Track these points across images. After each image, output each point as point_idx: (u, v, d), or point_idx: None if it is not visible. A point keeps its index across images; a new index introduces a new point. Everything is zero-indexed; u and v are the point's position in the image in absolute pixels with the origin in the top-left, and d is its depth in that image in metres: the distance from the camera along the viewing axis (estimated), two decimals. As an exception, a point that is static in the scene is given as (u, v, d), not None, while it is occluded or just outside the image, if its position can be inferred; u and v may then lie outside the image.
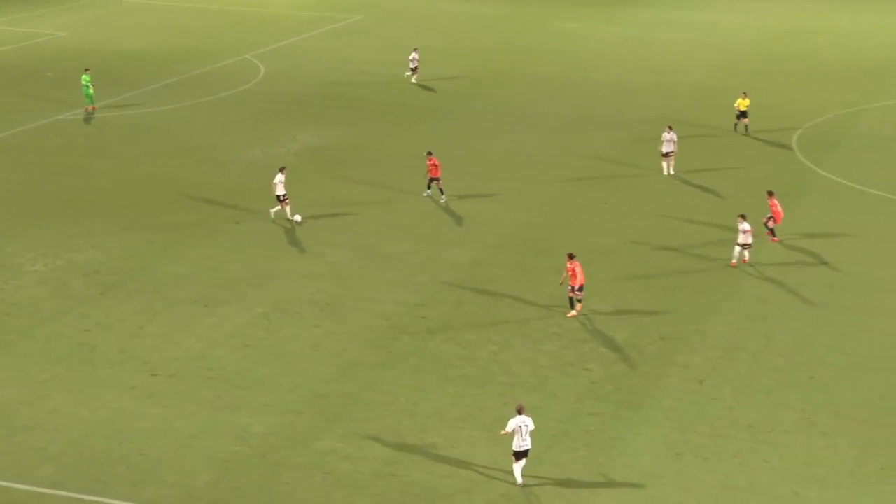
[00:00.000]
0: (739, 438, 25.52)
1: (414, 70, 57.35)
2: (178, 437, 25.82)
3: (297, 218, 38.35)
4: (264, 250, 36.53)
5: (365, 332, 30.90)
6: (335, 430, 26.12)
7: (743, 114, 47.17)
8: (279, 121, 51.42)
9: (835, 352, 29.34)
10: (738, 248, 34.48)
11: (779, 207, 35.94)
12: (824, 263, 34.77)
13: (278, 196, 38.17)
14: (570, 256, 31.35)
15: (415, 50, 58.14)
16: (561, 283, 31.93)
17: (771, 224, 36.18)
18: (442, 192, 40.22)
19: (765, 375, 28.26)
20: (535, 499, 23.48)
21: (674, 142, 42.48)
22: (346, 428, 26.19)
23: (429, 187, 40.46)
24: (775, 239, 36.27)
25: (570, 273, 31.10)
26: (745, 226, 34.13)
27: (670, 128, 43.03)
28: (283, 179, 38.11)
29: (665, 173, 42.91)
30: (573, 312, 31.50)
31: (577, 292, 31.26)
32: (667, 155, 42.73)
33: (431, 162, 39.90)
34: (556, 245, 36.52)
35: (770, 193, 36.35)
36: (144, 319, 31.66)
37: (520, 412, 23.64)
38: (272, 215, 38.49)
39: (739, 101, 47.35)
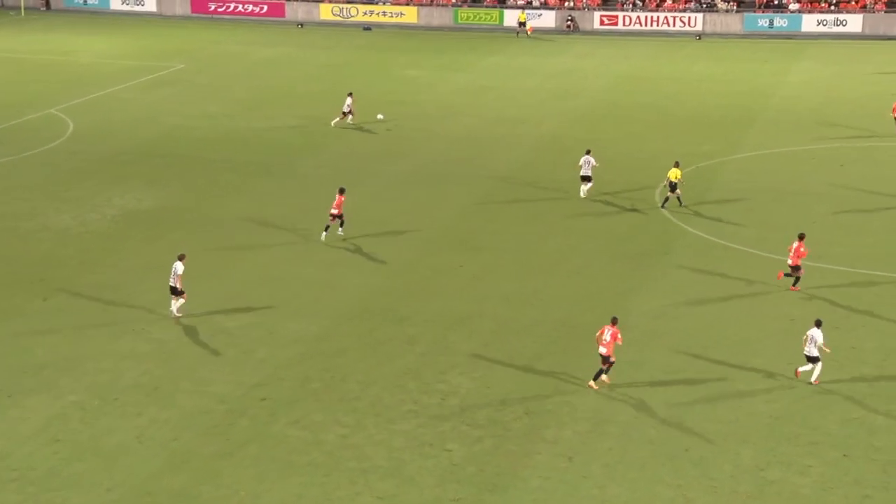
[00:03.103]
0: (615, 519, 25.58)
1: (346, 114, 58.54)
2: (-21, 552, 24.25)
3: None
4: (77, 330, 35.07)
5: (198, 417, 29.88)
6: (165, 533, 25.04)
7: (673, 186, 45.73)
8: (92, 183, 49.95)
9: (709, 420, 29.81)
10: (816, 366, 31.53)
11: (798, 251, 37.54)
12: (693, 324, 35.51)
13: (174, 288, 35.19)
14: (613, 321, 31.56)
15: (349, 95, 59.38)
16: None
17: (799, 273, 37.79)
18: (328, 229, 42.80)
19: (637, 448, 28.48)
20: None
21: (591, 164, 47.00)
22: (178, 530, 25.14)
23: (337, 227, 42.82)
24: (795, 287, 37.86)
25: (611, 339, 31.15)
26: (818, 335, 31.38)
27: (588, 151, 47.48)
28: (180, 271, 35.12)
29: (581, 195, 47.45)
30: (592, 383, 31.45)
31: (604, 363, 31.34)
32: (585, 178, 47.16)
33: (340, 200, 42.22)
34: (408, 312, 36.27)
35: (801, 237, 37.86)
36: (-64, 415, 29.84)
37: None
38: (176, 312, 35.57)
39: (671, 171, 45.88)
